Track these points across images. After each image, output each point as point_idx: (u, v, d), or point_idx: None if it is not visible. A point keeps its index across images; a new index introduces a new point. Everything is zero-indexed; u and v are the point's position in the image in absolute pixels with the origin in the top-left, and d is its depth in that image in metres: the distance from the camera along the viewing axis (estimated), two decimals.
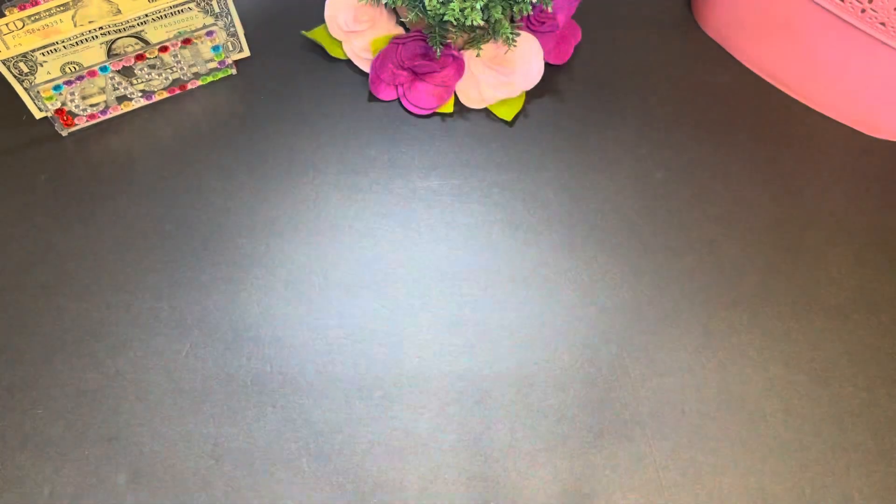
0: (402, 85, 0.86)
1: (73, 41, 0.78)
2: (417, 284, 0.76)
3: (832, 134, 0.88)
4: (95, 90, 0.82)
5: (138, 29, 0.81)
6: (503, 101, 0.87)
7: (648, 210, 0.82)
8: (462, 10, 0.75)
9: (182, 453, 0.67)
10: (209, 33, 0.82)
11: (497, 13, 0.77)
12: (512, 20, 0.86)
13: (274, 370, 0.71)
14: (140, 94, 0.84)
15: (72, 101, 0.80)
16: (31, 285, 0.74)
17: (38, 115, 0.83)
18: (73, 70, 0.80)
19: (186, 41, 0.82)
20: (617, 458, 0.68)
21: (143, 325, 0.73)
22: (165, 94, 0.86)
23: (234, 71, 0.88)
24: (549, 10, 0.80)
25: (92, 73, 0.79)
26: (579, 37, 0.92)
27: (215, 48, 0.84)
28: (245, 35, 0.88)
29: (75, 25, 0.80)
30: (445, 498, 0.66)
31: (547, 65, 0.89)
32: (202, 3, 0.82)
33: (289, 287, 0.75)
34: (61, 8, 0.79)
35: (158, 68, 0.83)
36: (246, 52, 0.89)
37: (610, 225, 0.80)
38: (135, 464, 0.66)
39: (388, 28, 0.88)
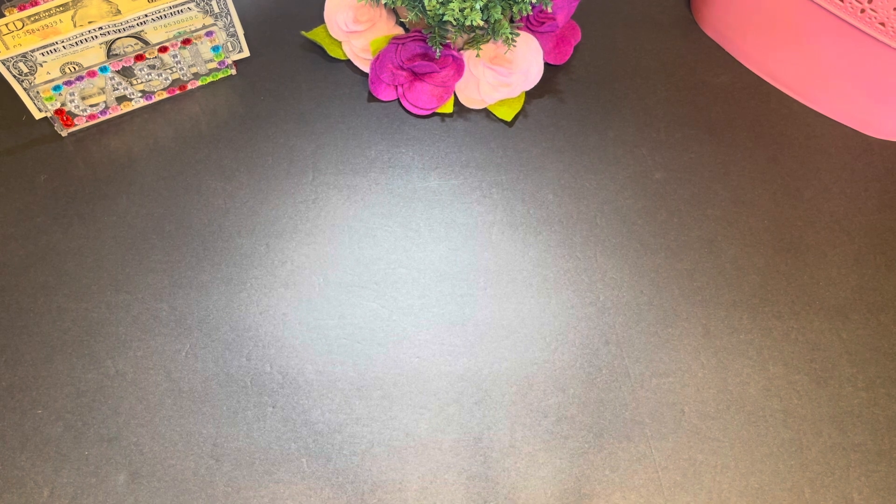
0: (402, 85, 0.86)
1: (72, 41, 0.78)
2: (417, 284, 0.76)
3: (832, 134, 0.88)
4: (95, 90, 0.82)
5: (138, 29, 0.81)
6: (503, 102, 0.87)
7: (648, 210, 0.82)
8: (462, 11, 0.75)
9: (182, 453, 0.67)
10: (209, 33, 0.82)
11: (497, 13, 0.77)
12: (511, 20, 0.86)
13: (274, 370, 0.71)
14: (140, 95, 0.84)
15: (71, 101, 0.80)
16: (31, 285, 0.74)
17: (37, 115, 0.83)
18: (72, 70, 0.80)
19: (186, 41, 0.82)
20: (617, 458, 0.68)
21: (143, 326, 0.73)
22: (165, 95, 0.86)
23: (233, 71, 0.88)
24: (549, 10, 0.80)
25: (92, 74, 0.79)
26: (579, 37, 0.92)
27: (215, 48, 0.84)
28: (245, 35, 0.88)
29: (75, 26, 0.80)
30: (445, 498, 0.66)
31: (547, 65, 0.89)
32: (202, 4, 0.82)
33: (289, 287, 0.75)
34: (61, 8, 0.79)
35: (158, 68, 0.83)
36: (246, 53, 0.89)
37: (610, 225, 0.80)
38: (135, 464, 0.66)
39: (387, 28, 0.88)
